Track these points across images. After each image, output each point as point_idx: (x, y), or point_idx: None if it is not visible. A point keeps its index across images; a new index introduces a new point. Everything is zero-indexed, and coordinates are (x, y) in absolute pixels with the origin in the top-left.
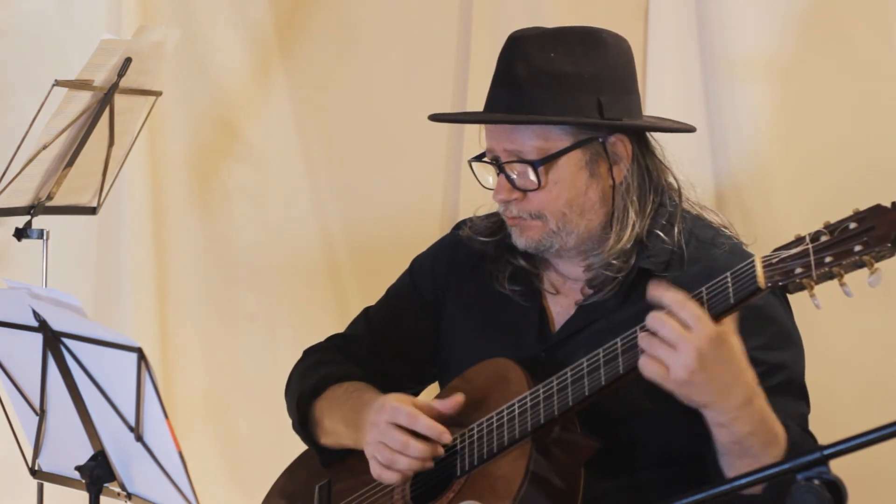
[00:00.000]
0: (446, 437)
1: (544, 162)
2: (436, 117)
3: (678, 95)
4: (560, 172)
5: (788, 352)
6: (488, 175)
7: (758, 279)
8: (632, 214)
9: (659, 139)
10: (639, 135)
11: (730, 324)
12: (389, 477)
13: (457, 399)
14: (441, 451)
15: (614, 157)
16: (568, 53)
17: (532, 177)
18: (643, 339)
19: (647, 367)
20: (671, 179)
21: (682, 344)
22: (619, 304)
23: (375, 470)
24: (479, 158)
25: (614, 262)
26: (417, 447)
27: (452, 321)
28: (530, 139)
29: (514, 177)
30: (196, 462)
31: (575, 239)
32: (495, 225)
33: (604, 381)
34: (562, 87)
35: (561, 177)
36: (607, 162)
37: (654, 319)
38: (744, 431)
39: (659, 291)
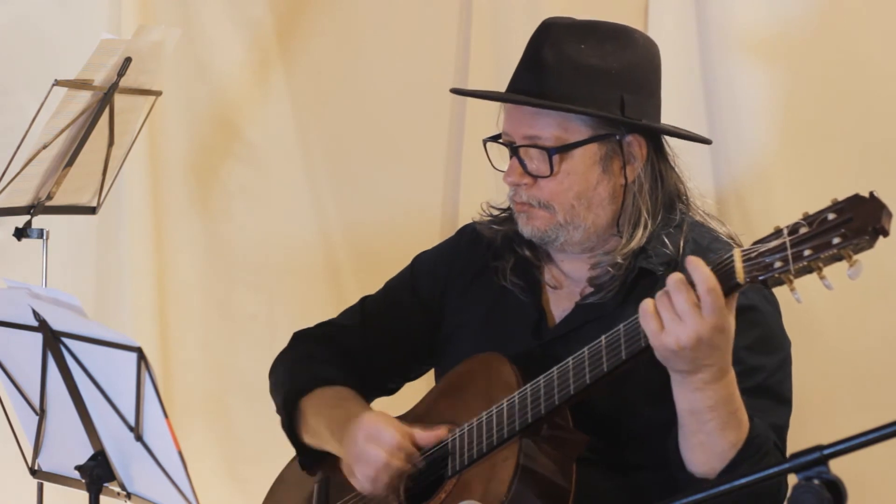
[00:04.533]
0: (420, 463)
1: (560, 150)
2: (457, 91)
3: (677, 94)
4: (574, 163)
5: (770, 357)
6: (501, 158)
7: (737, 274)
8: (644, 214)
9: (673, 146)
10: (655, 139)
11: (732, 310)
12: (372, 490)
13: (438, 434)
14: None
15: (629, 157)
16: (598, 47)
17: (546, 164)
18: (659, 295)
19: (647, 317)
20: (682, 187)
21: (688, 320)
22: (618, 303)
23: (357, 484)
24: (494, 139)
25: (621, 261)
26: (394, 466)
27: (455, 320)
28: (549, 126)
29: (528, 161)
30: (196, 462)
31: (581, 234)
32: (508, 213)
33: (588, 379)
34: (588, 78)
35: (574, 168)
36: (621, 160)
37: (674, 284)
38: (704, 405)
39: (695, 265)
